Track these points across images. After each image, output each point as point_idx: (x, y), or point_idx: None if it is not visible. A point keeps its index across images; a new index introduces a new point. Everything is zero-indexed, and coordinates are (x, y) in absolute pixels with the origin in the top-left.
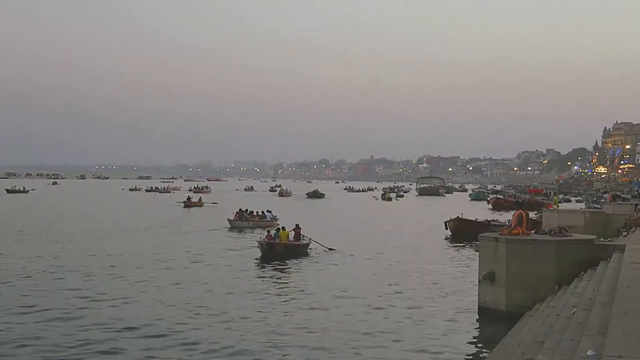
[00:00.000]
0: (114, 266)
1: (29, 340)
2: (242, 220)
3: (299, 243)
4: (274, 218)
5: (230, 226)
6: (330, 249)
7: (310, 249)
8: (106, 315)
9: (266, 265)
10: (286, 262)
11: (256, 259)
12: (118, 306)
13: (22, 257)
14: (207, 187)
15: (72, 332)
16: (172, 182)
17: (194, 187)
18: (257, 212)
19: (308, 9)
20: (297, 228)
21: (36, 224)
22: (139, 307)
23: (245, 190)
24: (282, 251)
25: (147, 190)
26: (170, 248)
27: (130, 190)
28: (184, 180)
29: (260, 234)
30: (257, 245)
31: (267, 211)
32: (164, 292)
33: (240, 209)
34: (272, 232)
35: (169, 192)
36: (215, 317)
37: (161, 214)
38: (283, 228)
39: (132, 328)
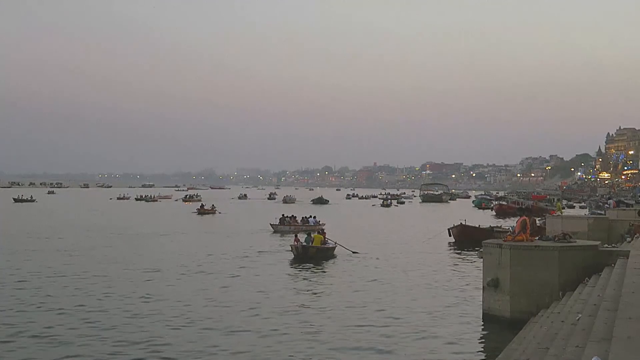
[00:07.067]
0: (185, 265)
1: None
2: (285, 225)
3: (327, 246)
4: (317, 223)
5: (273, 230)
6: (353, 252)
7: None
8: (158, 307)
9: (302, 266)
10: (318, 263)
11: (289, 260)
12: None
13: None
14: (197, 195)
15: (128, 323)
16: (186, 189)
17: (186, 196)
18: (302, 217)
19: (311, 16)
20: (322, 233)
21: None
22: (180, 303)
23: (239, 198)
24: (315, 254)
25: (136, 199)
26: (215, 251)
27: (119, 199)
28: (187, 189)
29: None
30: (291, 248)
31: (312, 217)
32: (211, 292)
33: (283, 215)
34: (304, 236)
35: (156, 200)
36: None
37: (185, 221)
38: (318, 232)
39: (160, 316)
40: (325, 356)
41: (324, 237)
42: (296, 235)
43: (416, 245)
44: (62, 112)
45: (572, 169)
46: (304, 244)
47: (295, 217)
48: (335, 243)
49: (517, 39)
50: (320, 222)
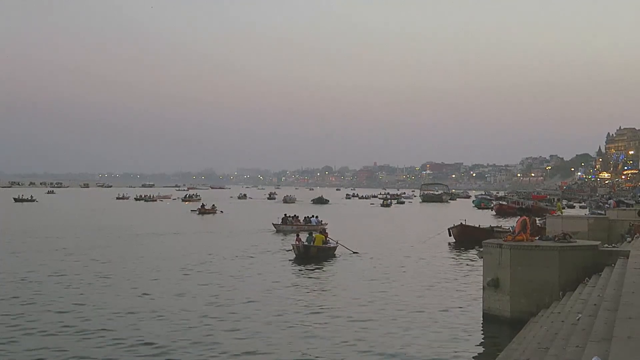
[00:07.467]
0: (186, 265)
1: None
2: (287, 225)
3: (328, 246)
4: (320, 223)
5: (275, 230)
6: (354, 252)
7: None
8: (157, 307)
9: (303, 265)
10: (319, 263)
11: (290, 260)
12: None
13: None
14: (197, 195)
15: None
16: (187, 189)
17: (185, 196)
18: (305, 217)
19: (311, 17)
20: (324, 233)
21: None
22: (189, 302)
23: (239, 198)
24: (316, 253)
25: (135, 199)
26: (217, 250)
27: (118, 198)
28: (187, 188)
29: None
30: (292, 248)
31: (314, 217)
32: (215, 289)
33: (285, 214)
34: (305, 236)
35: (155, 200)
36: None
37: (186, 221)
38: (320, 232)
39: (162, 314)
40: (325, 355)
41: (326, 237)
42: (298, 235)
43: (416, 245)
44: (62, 112)
45: (572, 169)
46: (306, 243)
47: (298, 216)
48: (337, 243)
49: (517, 39)
50: (323, 222)
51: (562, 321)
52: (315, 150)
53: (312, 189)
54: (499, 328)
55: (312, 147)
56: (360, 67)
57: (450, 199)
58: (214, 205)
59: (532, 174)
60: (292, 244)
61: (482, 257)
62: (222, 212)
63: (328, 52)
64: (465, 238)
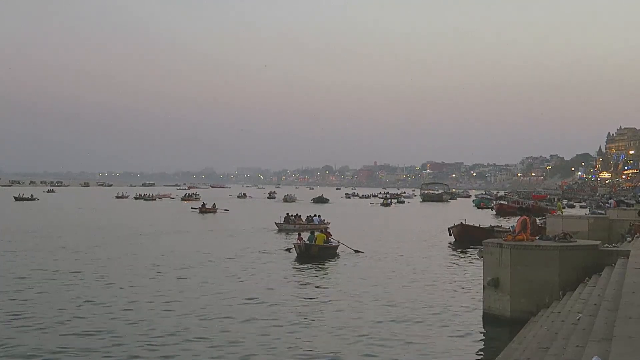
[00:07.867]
0: (188, 264)
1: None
2: (289, 224)
3: (330, 245)
4: (322, 222)
5: (278, 229)
6: (355, 251)
7: (340, 251)
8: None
9: (304, 264)
10: (321, 262)
11: (292, 259)
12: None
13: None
14: (196, 195)
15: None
16: (187, 188)
17: (185, 195)
18: (307, 216)
19: (312, 16)
20: (326, 232)
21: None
22: (194, 300)
23: (239, 197)
24: (317, 252)
25: (135, 198)
26: (219, 250)
27: (117, 197)
28: (188, 187)
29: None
30: (294, 247)
31: (317, 216)
32: (220, 286)
33: (287, 213)
34: (307, 235)
35: (155, 199)
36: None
37: (187, 220)
38: (321, 231)
39: (166, 311)
40: (325, 354)
41: (327, 236)
42: (299, 234)
43: (416, 245)
44: (62, 111)
45: (573, 169)
46: (307, 242)
47: (300, 215)
48: (338, 242)
49: (517, 39)
50: (325, 221)
51: (562, 321)
52: (315, 150)
53: (312, 188)
54: (499, 328)
55: (312, 146)
56: (360, 67)
57: (450, 199)
58: (214, 204)
59: (533, 174)
60: (293, 243)
61: (482, 257)
62: (226, 210)
63: (328, 52)
64: (466, 238)
